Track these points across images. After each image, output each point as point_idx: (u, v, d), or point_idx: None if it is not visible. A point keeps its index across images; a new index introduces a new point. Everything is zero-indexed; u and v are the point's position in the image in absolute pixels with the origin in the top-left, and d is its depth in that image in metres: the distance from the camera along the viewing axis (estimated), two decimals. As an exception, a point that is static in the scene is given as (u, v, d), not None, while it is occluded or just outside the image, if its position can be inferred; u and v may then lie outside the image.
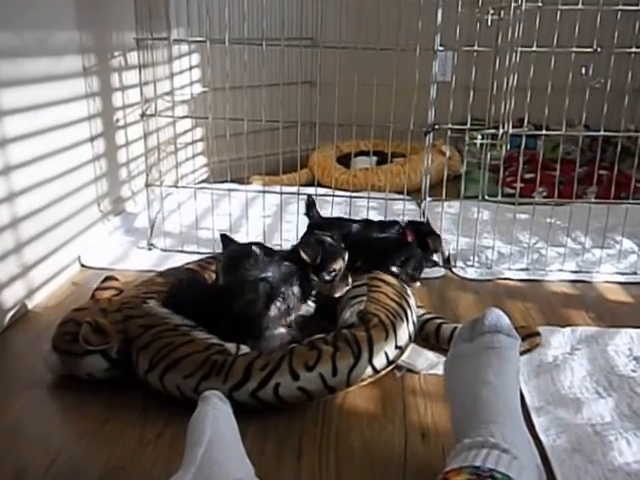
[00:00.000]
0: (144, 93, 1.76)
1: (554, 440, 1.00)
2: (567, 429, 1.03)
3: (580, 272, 1.73)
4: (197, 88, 2.29)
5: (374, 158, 2.59)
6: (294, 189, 1.87)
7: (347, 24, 2.36)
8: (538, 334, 1.31)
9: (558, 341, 1.33)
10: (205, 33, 1.70)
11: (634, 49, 1.53)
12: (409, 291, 1.37)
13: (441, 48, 1.51)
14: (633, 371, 1.22)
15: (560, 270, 1.74)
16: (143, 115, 1.72)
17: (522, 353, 1.26)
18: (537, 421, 1.05)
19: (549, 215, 1.84)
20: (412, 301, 1.34)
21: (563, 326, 1.40)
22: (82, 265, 1.73)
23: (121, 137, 1.96)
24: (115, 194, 1.96)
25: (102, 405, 1.13)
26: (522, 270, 1.74)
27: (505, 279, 1.70)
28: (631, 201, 1.75)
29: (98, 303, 1.26)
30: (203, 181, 2.39)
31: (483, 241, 1.85)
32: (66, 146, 1.62)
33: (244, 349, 1.16)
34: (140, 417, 1.10)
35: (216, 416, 0.87)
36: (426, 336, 1.33)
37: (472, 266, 1.76)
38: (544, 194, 2.30)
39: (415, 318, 1.31)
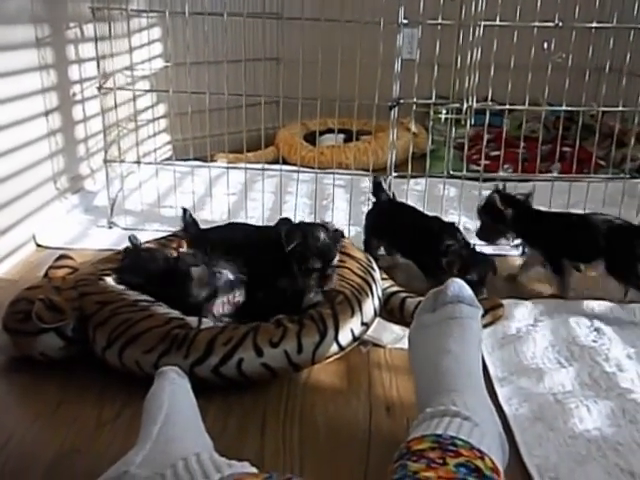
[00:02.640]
0: (102, 67, 1.70)
1: (516, 409, 1.01)
2: (529, 398, 1.04)
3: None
4: (159, 63, 2.23)
5: (341, 136, 2.57)
6: (259, 166, 1.84)
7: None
8: (501, 306, 1.32)
9: (521, 313, 1.34)
10: (165, 4, 1.65)
11: (594, 24, 1.53)
12: (374, 264, 1.36)
13: (405, 21, 1.49)
14: (594, 341, 1.24)
15: (517, 246, 1.75)
16: (100, 88, 1.67)
17: (486, 325, 1.27)
18: (500, 391, 1.06)
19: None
20: (377, 275, 1.33)
21: (527, 299, 1.41)
22: (37, 245, 1.67)
23: (78, 112, 1.90)
24: (73, 171, 1.90)
25: (57, 386, 1.09)
26: (487, 245, 1.74)
27: (471, 253, 1.70)
28: (592, 176, 1.76)
29: (52, 281, 1.22)
30: (166, 159, 2.34)
31: (449, 217, 1.84)
32: (18, 120, 1.56)
33: (206, 323, 1.13)
34: (97, 397, 1.07)
35: (173, 391, 0.85)
36: (391, 310, 1.33)
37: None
38: (509, 171, 2.31)
39: (380, 292, 1.30)
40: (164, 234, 1.54)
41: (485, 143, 2.41)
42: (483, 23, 1.49)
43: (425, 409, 0.81)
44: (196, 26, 1.70)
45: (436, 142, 2.44)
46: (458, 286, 0.97)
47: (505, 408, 1.01)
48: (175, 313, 1.15)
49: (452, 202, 1.94)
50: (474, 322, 0.94)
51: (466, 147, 1.76)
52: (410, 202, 1.82)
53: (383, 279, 1.38)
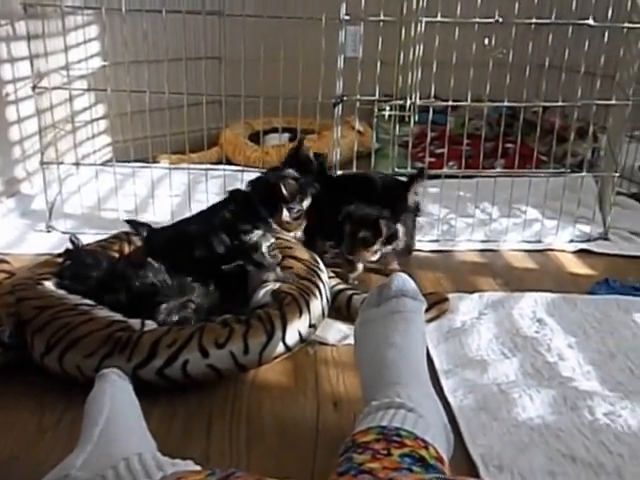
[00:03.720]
0: (36, 66, 1.64)
1: (461, 400, 1.02)
2: (474, 389, 1.05)
3: (488, 241, 1.78)
4: (96, 62, 2.16)
5: (286, 135, 2.56)
6: (202, 167, 1.81)
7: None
8: (447, 300, 1.33)
9: (466, 307, 1.36)
10: (101, 1, 1.60)
11: (534, 20, 1.57)
12: (322, 265, 1.36)
13: (347, 17, 1.50)
14: (536, 332, 1.26)
15: (469, 240, 1.78)
16: (35, 88, 1.61)
17: (432, 319, 1.29)
18: (446, 383, 1.07)
19: (456, 187, 1.88)
20: (324, 276, 1.33)
21: (471, 292, 1.43)
22: (-29, 250, 1.60)
23: (12, 113, 1.82)
24: (8, 174, 1.82)
25: (-7, 394, 1.05)
26: (433, 241, 1.77)
27: (417, 250, 1.72)
28: (534, 172, 1.80)
29: (-14, 287, 1.17)
30: (107, 161, 2.28)
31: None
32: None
33: (150, 325, 1.10)
34: (37, 403, 1.03)
35: (114, 393, 0.83)
36: (338, 307, 1.32)
37: (385, 240, 1.77)
38: (454, 167, 2.35)
39: (328, 293, 1.30)
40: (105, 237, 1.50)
41: (430, 141, 2.46)
42: (424, 19, 1.51)
43: (371, 402, 0.80)
44: (134, 23, 1.65)
45: (382, 140, 2.46)
46: (402, 280, 0.97)
47: (450, 399, 1.02)
48: (117, 316, 1.12)
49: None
50: (418, 316, 0.95)
51: (410, 145, 1.77)
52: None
53: (330, 277, 1.37)
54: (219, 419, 1.01)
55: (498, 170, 1.80)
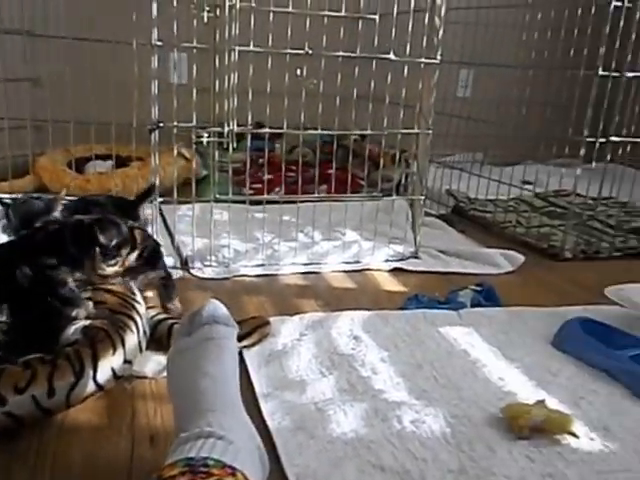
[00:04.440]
0: None
1: (279, 422, 1.03)
2: (292, 410, 1.07)
3: (311, 264, 1.83)
4: None
5: (109, 162, 2.45)
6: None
7: (66, 17, 2.19)
8: (268, 324, 1.35)
9: (288, 329, 1.38)
10: None
11: (341, 53, 1.66)
12: (139, 297, 1.30)
13: (159, 43, 1.47)
14: (353, 349, 1.32)
15: (293, 264, 1.82)
16: None
17: (254, 344, 1.29)
18: (265, 407, 1.07)
19: (283, 213, 1.92)
20: (142, 308, 1.27)
21: (293, 315, 1.46)
22: None
23: None
24: None
25: None
26: (258, 266, 1.79)
27: (242, 276, 1.73)
28: (350, 196, 1.90)
29: None
30: None
31: (222, 241, 1.85)
32: None
33: None
34: None
35: None
36: (159, 338, 1.28)
37: (210, 266, 1.75)
38: (280, 193, 2.40)
39: (146, 325, 1.25)
40: None
41: (259, 167, 2.49)
42: (237, 48, 1.53)
43: (180, 434, 0.78)
44: None
45: (210, 167, 2.45)
46: (213, 307, 0.96)
47: (269, 422, 1.02)
48: None
49: (226, 226, 1.96)
50: (230, 341, 0.95)
51: (230, 171, 1.79)
52: (184, 227, 1.80)
53: (149, 308, 1.32)
54: (20, 469, 0.92)
55: (316, 195, 1.87)
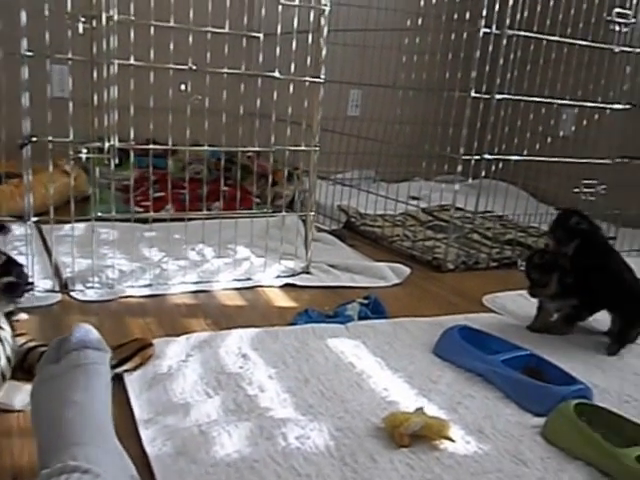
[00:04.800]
0: None
1: (160, 449, 0.99)
2: (174, 435, 1.03)
3: (201, 282, 1.80)
4: None
5: (-17, 180, 2.29)
6: None
7: None
8: (151, 345, 1.30)
9: (174, 350, 1.34)
10: None
11: (225, 70, 1.66)
12: (3, 322, 1.21)
13: (30, 53, 1.40)
14: (240, 367, 1.30)
15: (182, 283, 1.78)
16: None
17: (136, 367, 1.24)
18: (144, 433, 1.03)
19: (174, 231, 1.88)
20: (5, 333, 1.19)
21: (180, 335, 1.42)
22: None
23: None
24: None
25: None
26: (145, 286, 1.72)
27: (128, 297, 1.66)
28: (240, 212, 1.89)
29: None
30: None
31: (108, 261, 1.77)
32: None
33: None
34: None
35: None
36: (29, 367, 1.19)
37: (92, 287, 1.67)
38: (171, 211, 2.35)
39: (10, 353, 1.16)
40: None
41: (150, 184, 2.42)
42: (117, 61, 1.48)
43: (41, 471, 0.73)
44: None
45: (92, 184, 2.35)
46: (84, 331, 0.91)
47: (148, 450, 0.98)
48: None
49: (113, 245, 1.88)
50: (102, 366, 0.90)
51: (113, 188, 1.72)
52: (63, 248, 1.72)
53: (18, 335, 1.24)
54: None
55: (204, 212, 1.84)
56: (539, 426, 1.14)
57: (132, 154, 1.64)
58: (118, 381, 1.17)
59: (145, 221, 1.86)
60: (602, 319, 1.62)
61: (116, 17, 1.45)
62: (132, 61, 1.52)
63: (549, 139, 2.30)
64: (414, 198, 2.71)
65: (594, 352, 1.52)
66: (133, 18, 1.49)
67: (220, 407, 1.14)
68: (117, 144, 1.55)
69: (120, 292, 1.67)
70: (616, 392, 1.31)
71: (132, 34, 1.51)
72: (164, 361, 1.29)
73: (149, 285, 1.73)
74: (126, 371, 1.21)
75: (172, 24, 1.60)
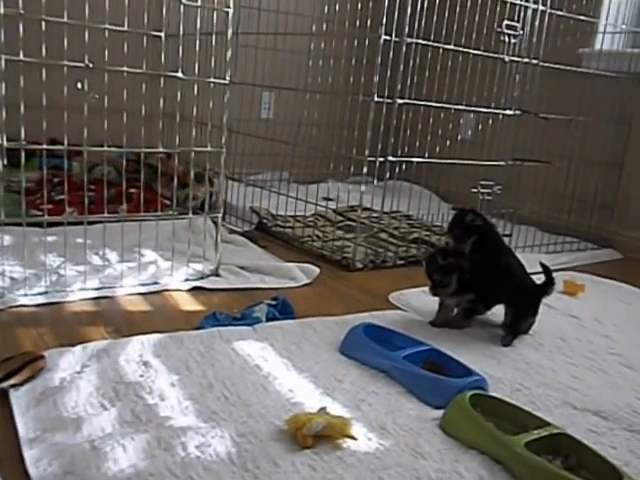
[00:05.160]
0: None
1: (45, 469, 0.93)
2: (62, 453, 0.97)
3: (103, 288, 1.72)
4: None
5: None
6: None
7: None
8: (42, 357, 1.23)
9: (68, 362, 1.27)
10: None
11: (125, 68, 1.60)
12: None
13: None
14: (141, 376, 1.25)
15: (82, 289, 1.70)
16: None
17: (24, 382, 1.17)
18: (28, 454, 0.96)
19: (76, 235, 1.79)
20: None
21: (75, 345, 1.35)
22: None
23: None
24: None
25: None
26: (40, 294, 1.63)
27: (20, 306, 1.57)
28: (143, 215, 1.83)
29: None
30: None
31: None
32: None
33: None
34: None
35: None
36: None
37: (-22, 299, 1.57)
38: (74, 214, 2.25)
39: None
40: None
41: (52, 186, 2.30)
42: (4, 57, 1.40)
43: None
44: None
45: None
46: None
47: (32, 471, 0.92)
48: None
49: (4, 252, 1.77)
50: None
51: (2, 189, 1.62)
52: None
53: None
54: None
55: (106, 215, 1.76)
56: (438, 419, 1.17)
57: (23, 154, 1.55)
58: (2, 398, 1.09)
59: (48, 225, 1.76)
60: (500, 312, 1.69)
61: (2, 10, 1.36)
62: (21, 57, 1.44)
63: (448, 142, 2.39)
64: (327, 199, 2.73)
65: (491, 344, 1.58)
66: (22, 12, 1.41)
67: (116, 419, 1.09)
68: (5, 144, 1.46)
69: (11, 301, 1.57)
70: (509, 381, 1.36)
71: (21, 28, 1.43)
72: (56, 374, 1.22)
73: (44, 293, 1.64)
74: (12, 386, 1.14)
75: (65, 20, 1.52)
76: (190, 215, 1.89)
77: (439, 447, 1.09)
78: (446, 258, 1.59)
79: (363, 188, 2.12)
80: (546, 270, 1.65)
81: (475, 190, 2.20)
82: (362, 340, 1.39)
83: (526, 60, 2.32)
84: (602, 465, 1.03)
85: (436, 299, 1.66)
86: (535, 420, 1.13)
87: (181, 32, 1.67)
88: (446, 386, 1.23)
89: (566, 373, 1.45)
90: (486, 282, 1.59)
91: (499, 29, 2.18)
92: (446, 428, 1.14)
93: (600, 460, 1.04)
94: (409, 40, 2.05)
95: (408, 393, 1.26)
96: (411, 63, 2.10)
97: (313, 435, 1.05)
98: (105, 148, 1.73)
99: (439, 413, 1.18)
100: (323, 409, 1.11)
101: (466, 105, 2.27)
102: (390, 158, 2.12)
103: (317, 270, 1.99)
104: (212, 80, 1.77)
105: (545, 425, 1.11)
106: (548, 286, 1.64)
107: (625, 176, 2.78)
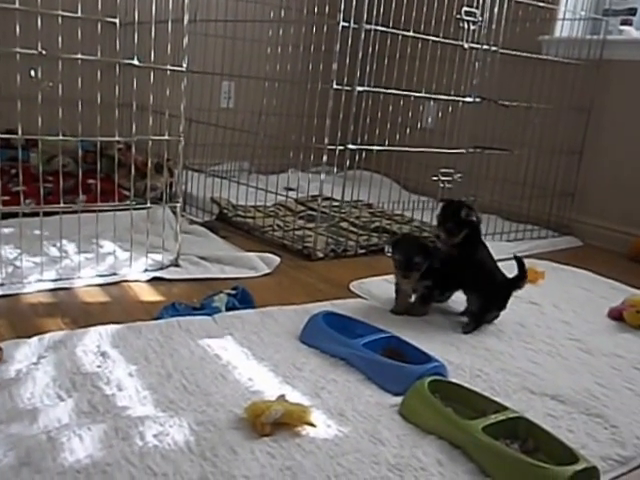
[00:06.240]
0: None
1: (0, 461, 0.92)
2: (18, 444, 0.96)
3: (60, 279, 1.70)
4: None
5: None
6: None
7: None
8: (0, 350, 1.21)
9: (24, 353, 1.26)
10: None
11: (80, 56, 1.57)
12: None
13: None
14: (98, 366, 1.24)
15: (39, 280, 1.67)
16: None
17: (-22, 376, 1.15)
18: (-17, 445, 0.95)
19: (33, 227, 1.76)
20: None
21: (31, 336, 1.33)
22: None
23: None
24: None
25: None
26: (-5, 286, 1.60)
27: (-27, 300, 1.54)
28: (100, 205, 1.80)
29: None
30: None
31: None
32: None
33: None
34: None
35: None
36: None
37: None
38: (31, 205, 2.20)
39: None
40: None
41: (10, 177, 2.24)
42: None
43: None
44: None
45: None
46: None
47: (-14, 463, 0.91)
48: None
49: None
50: None
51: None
52: None
53: None
54: None
55: (63, 205, 1.73)
56: (397, 405, 1.19)
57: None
58: (-45, 391, 1.08)
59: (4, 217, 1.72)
60: (460, 300, 1.73)
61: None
62: (-32, 42, 1.40)
63: (409, 130, 2.41)
64: (289, 189, 2.73)
65: (451, 331, 1.61)
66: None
67: (73, 410, 1.08)
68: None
69: (-37, 294, 1.54)
70: (468, 367, 1.39)
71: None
72: (12, 365, 1.21)
73: (0, 285, 1.61)
74: (-34, 379, 1.12)
75: (17, 6, 1.48)
76: (149, 205, 1.86)
77: (398, 433, 1.11)
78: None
79: (323, 177, 2.12)
80: (519, 263, 1.66)
81: (436, 178, 2.22)
82: (322, 328, 1.41)
83: (485, 47, 2.33)
84: (559, 448, 1.05)
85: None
86: (493, 405, 1.15)
87: (136, 19, 1.65)
88: (405, 373, 1.25)
89: (525, 358, 1.48)
90: (444, 271, 1.62)
91: (458, 16, 2.18)
92: (405, 414, 1.16)
93: (557, 443, 1.06)
94: (368, 27, 2.04)
95: (367, 380, 1.28)
96: (370, 50, 2.10)
97: (272, 423, 1.06)
98: (60, 137, 1.69)
99: (398, 400, 1.20)
100: (282, 397, 1.12)
101: (426, 93, 2.28)
102: (350, 146, 2.12)
103: (278, 259, 1.99)
104: (169, 67, 1.75)
105: (503, 409, 1.13)
106: (520, 279, 1.65)
107: (584, 163, 2.82)
